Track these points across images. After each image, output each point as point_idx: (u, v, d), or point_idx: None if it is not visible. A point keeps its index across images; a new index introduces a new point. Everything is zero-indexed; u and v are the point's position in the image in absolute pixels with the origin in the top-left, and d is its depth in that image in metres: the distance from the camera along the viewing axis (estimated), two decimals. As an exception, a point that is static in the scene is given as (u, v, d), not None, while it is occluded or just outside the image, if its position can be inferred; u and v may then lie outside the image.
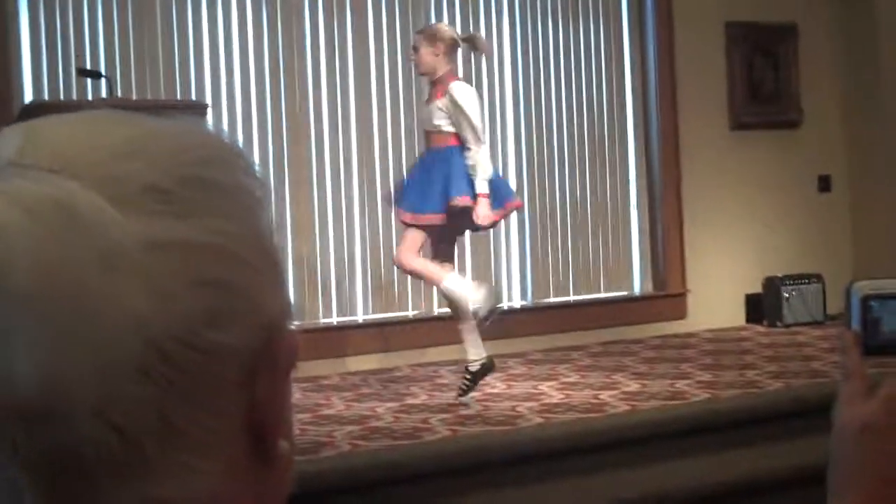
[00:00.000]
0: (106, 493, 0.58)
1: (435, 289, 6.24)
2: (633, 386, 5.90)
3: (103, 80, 5.72)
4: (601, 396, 5.66)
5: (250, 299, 0.62)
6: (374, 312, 7.13)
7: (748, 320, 8.16)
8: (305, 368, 6.46)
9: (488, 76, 7.53)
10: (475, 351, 5.58)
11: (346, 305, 7.08)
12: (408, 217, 5.68)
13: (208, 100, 6.51)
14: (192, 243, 0.60)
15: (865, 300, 1.05)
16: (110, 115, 0.65)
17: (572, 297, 7.77)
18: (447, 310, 6.17)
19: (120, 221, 0.58)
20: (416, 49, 5.79)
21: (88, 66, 6.11)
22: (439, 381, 6.38)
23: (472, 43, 6.08)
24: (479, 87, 7.44)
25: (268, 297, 0.64)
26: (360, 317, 7.11)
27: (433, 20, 7.22)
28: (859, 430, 0.95)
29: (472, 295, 5.61)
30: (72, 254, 0.56)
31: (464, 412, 5.42)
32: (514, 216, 6.94)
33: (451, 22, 7.35)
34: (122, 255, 0.57)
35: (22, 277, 0.55)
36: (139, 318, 0.57)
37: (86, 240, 0.57)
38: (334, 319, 6.99)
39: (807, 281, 8.03)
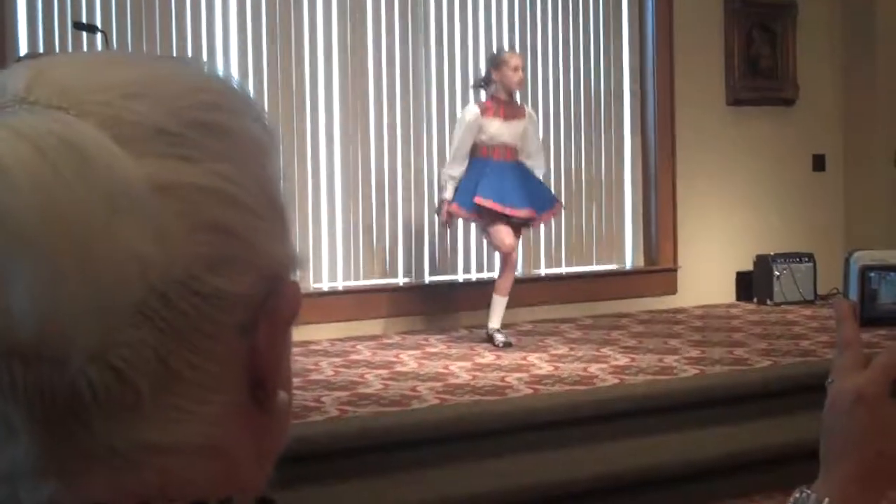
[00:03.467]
0: (100, 435, 0.58)
1: (427, 254, 6.95)
2: (622, 360, 5.92)
3: (99, 35, 5.69)
4: (590, 369, 5.67)
5: (253, 247, 0.62)
6: (364, 279, 7.14)
7: (738, 298, 8.18)
8: (295, 333, 6.46)
9: (486, 50, 7.48)
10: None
11: (336, 271, 7.08)
12: (508, 210, 6.34)
13: (204, 56, 6.48)
14: (197, 187, 0.59)
15: (864, 271, 1.05)
16: (120, 55, 0.64)
17: (564, 270, 7.77)
18: (438, 278, 6.77)
19: (127, 162, 0.57)
20: (522, 69, 6.55)
21: (84, 21, 6.07)
22: (429, 349, 6.39)
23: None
24: (475, 59, 7.45)
25: (271, 245, 0.63)
26: (351, 282, 7.12)
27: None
28: (854, 401, 0.94)
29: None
30: (78, 193, 0.55)
31: (453, 381, 5.43)
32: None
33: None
34: (128, 197, 0.56)
35: (26, 214, 0.54)
36: (142, 261, 0.56)
37: (92, 179, 0.56)
38: (324, 285, 6.99)
39: (798, 260, 8.05)
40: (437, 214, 6.68)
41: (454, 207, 6.41)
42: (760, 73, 8.32)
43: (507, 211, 6.32)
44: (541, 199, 6.53)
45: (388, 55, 7.21)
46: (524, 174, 6.48)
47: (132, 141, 0.58)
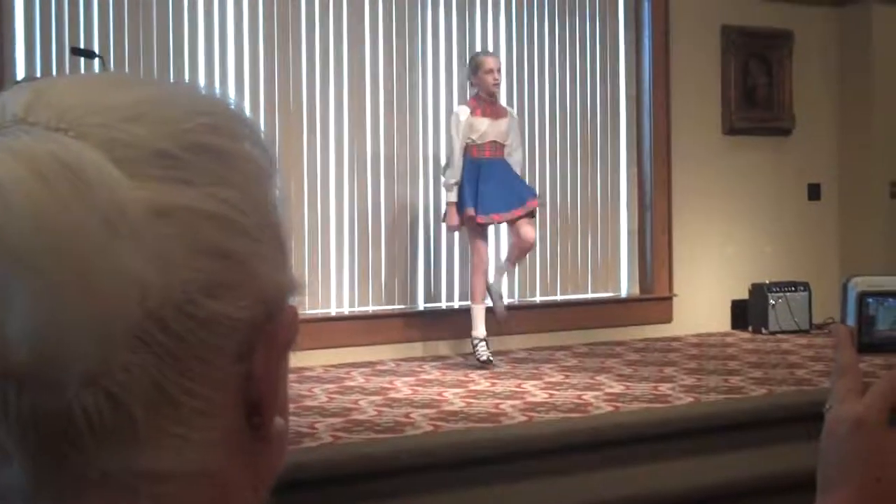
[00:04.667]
0: (94, 461, 0.57)
1: (422, 281, 7.20)
2: (617, 388, 5.91)
3: (96, 60, 5.70)
4: (585, 397, 5.66)
5: (251, 271, 0.61)
6: (360, 305, 7.13)
7: (733, 326, 8.18)
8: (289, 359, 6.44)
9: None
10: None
11: (331, 297, 7.07)
12: (509, 216, 6.54)
13: (201, 80, 6.49)
14: (196, 211, 0.59)
15: (862, 296, 1.04)
16: (119, 77, 0.64)
17: (559, 297, 7.77)
18: (432, 305, 7.02)
19: (126, 185, 0.57)
20: (498, 70, 6.63)
21: (82, 46, 6.08)
22: (423, 375, 6.37)
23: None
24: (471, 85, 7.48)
25: (269, 269, 0.63)
26: (346, 308, 7.11)
27: (429, 11, 7.33)
28: (852, 428, 0.94)
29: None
30: (75, 216, 0.55)
31: (447, 408, 5.42)
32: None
33: (447, 19, 7.38)
34: (126, 220, 0.56)
35: (22, 237, 0.54)
36: (140, 285, 0.56)
37: (90, 202, 0.55)
38: (319, 311, 6.98)
39: (793, 289, 8.05)
40: (444, 220, 6.78)
41: (471, 212, 6.52)
42: (757, 103, 8.35)
43: (509, 216, 6.57)
44: (526, 193, 6.71)
45: (386, 78, 7.22)
46: (510, 171, 6.67)
47: (131, 163, 0.58)
